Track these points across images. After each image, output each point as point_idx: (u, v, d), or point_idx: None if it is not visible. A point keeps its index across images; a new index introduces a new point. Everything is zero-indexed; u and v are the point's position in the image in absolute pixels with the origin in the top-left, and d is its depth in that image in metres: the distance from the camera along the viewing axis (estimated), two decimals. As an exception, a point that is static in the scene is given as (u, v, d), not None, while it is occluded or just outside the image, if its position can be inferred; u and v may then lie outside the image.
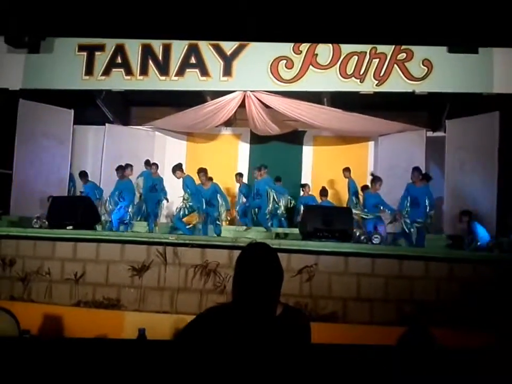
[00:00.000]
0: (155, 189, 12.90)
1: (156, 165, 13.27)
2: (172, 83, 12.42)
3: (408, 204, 10.79)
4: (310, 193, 13.57)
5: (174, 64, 12.33)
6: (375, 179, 11.60)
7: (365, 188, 12.40)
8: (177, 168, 11.72)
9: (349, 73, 11.76)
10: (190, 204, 11.63)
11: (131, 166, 12.70)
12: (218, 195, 12.03)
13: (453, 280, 8.23)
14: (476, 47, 10.44)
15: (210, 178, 12.17)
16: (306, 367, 2.49)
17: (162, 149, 15.10)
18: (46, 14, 3.32)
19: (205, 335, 2.55)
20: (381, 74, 11.66)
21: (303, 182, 14.34)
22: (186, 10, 3.18)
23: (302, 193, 13.65)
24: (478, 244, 10.39)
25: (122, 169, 12.46)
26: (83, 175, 13.17)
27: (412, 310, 7.86)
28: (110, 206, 12.39)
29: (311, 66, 11.89)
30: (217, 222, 12.06)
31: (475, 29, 3.28)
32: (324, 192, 13.17)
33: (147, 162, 13.51)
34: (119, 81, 12.64)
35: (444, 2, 3.15)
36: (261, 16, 3.21)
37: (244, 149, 15.09)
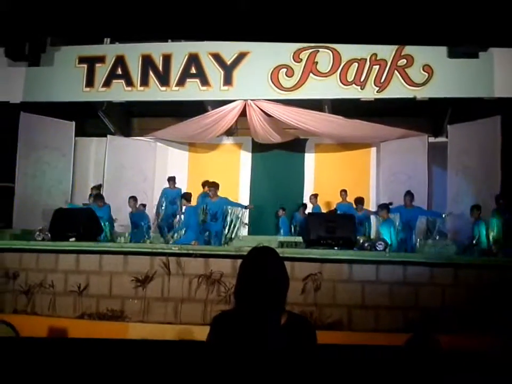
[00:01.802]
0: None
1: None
2: (173, 93, 12.43)
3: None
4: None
5: (175, 75, 12.35)
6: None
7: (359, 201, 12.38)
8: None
9: (349, 80, 11.76)
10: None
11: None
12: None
13: (458, 286, 8.19)
14: (477, 47, 10.34)
15: None
16: (313, 375, 2.45)
17: (164, 159, 15.07)
18: (45, 17, 3.30)
19: (214, 343, 2.50)
20: (382, 80, 11.66)
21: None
22: (185, 10, 3.16)
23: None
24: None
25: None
26: (99, 197, 12.42)
27: (417, 317, 7.82)
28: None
29: (311, 74, 11.89)
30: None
31: (477, 28, 3.26)
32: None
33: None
34: (119, 93, 12.66)
35: (445, 2, 3.13)
36: (260, 16, 3.19)
37: (245, 158, 15.04)
